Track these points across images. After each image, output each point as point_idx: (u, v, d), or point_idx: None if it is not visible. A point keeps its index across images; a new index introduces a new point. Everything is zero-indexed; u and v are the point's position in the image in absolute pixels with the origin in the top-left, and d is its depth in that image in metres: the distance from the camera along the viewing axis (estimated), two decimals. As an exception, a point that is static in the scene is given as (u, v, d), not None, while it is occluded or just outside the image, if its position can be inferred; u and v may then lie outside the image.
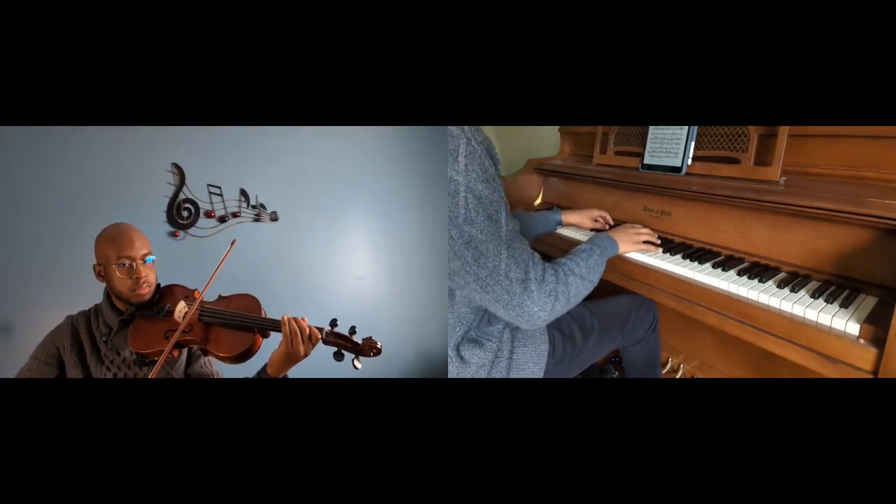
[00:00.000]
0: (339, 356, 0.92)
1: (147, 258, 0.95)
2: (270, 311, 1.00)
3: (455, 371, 1.00)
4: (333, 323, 0.95)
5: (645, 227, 1.30)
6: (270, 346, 0.93)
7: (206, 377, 1.02)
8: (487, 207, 0.83)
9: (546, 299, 0.87)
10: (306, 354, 0.89)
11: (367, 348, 0.93)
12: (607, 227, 1.47)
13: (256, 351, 0.93)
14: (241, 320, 0.93)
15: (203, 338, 0.92)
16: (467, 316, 0.99)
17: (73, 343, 0.92)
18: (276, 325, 0.90)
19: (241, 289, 1.02)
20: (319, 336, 0.90)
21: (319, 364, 0.95)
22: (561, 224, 1.47)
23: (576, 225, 1.48)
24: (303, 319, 0.90)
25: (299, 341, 0.87)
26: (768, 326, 0.96)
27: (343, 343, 0.92)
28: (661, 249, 1.24)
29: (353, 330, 0.95)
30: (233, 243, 1.01)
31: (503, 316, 0.90)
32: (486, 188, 0.83)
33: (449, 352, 1.00)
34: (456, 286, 0.92)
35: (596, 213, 1.47)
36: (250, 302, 0.98)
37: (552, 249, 1.52)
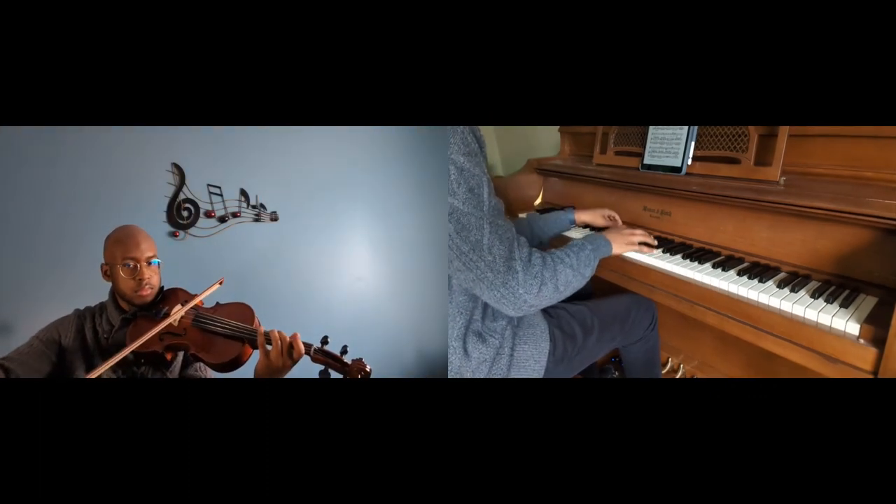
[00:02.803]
0: (325, 374, 0.90)
1: (152, 261, 0.97)
2: (271, 311, 1.00)
3: (457, 363, 1.00)
4: (324, 340, 0.93)
5: (640, 228, 1.29)
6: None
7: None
8: (469, 180, 0.84)
9: (532, 282, 0.86)
10: (285, 367, 0.87)
11: (356, 370, 0.90)
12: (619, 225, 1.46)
13: (245, 361, 0.93)
14: (233, 329, 0.93)
15: (194, 343, 0.92)
16: (465, 304, 0.99)
17: (76, 334, 0.94)
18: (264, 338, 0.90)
19: (242, 289, 1.02)
20: (303, 351, 0.88)
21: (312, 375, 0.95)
22: (574, 222, 1.46)
23: (588, 223, 1.47)
24: (294, 335, 0.88)
25: (277, 353, 0.85)
26: (768, 326, 0.96)
27: (331, 362, 0.90)
28: (655, 250, 1.23)
29: (344, 349, 0.92)
30: (220, 282, 1.02)
31: (488, 299, 0.89)
32: (467, 161, 0.84)
33: (451, 342, 1.00)
34: (448, 270, 0.93)
35: (608, 212, 1.47)
36: (244, 311, 0.98)
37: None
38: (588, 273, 0.99)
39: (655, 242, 1.25)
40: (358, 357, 0.93)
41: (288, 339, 0.87)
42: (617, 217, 1.47)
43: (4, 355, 0.89)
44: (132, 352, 0.91)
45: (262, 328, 0.90)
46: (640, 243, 1.23)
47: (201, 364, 1.04)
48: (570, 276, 0.93)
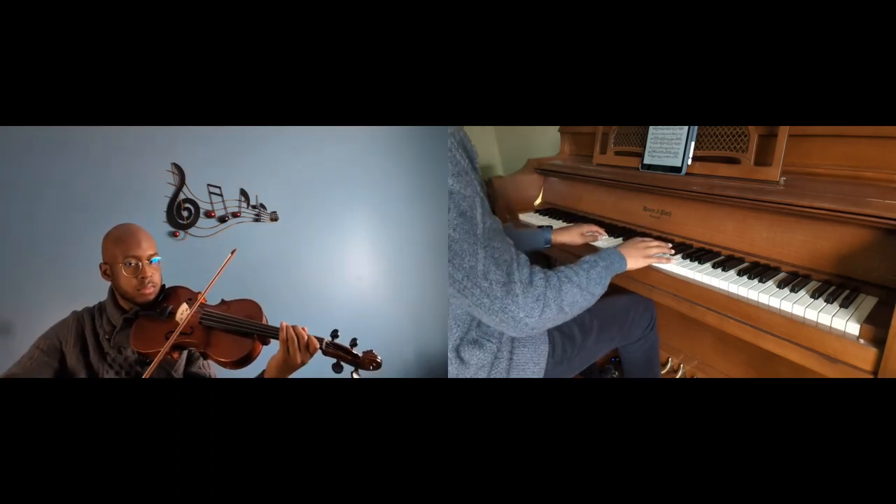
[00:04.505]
0: (338, 367, 0.92)
1: (153, 259, 0.96)
2: (271, 310, 1.00)
3: (454, 372, 0.99)
4: (334, 334, 0.94)
5: (645, 234, 1.23)
6: (270, 352, 0.92)
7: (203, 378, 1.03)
8: (460, 203, 0.79)
9: (534, 304, 0.81)
10: (303, 363, 0.88)
11: (367, 362, 0.92)
12: (599, 239, 1.42)
13: (256, 357, 0.93)
14: (242, 326, 0.93)
15: (203, 341, 0.92)
16: (463, 318, 0.98)
17: (76, 338, 0.93)
18: (275, 332, 0.90)
19: (242, 289, 1.02)
20: (318, 346, 0.89)
21: (319, 371, 0.95)
22: (550, 243, 1.40)
23: (566, 243, 1.41)
24: (303, 329, 0.89)
25: (296, 349, 0.86)
26: (768, 326, 0.96)
27: (343, 355, 0.92)
28: (674, 260, 1.18)
29: (353, 342, 0.94)
30: (233, 252, 1.01)
31: (488, 323, 0.85)
32: (456, 183, 0.79)
33: (448, 353, 1.00)
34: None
35: (585, 228, 1.42)
36: (252, 308, 0.98)
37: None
38: (598, 292, 0.94)
39: (672, 252, 1.20)
40: (368, 349, 0.93)
41: (305, 334, 0.87)
42: (598, 230, 1.42)
43: (7, 370, 0.89)
44: (137, 352, 0.91)
45: (285, 323, 0.89)
46: (658, 255, 1.17)
47: (205, 361, 1.04)
48: (578, 295, 0.88)
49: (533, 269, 0.85)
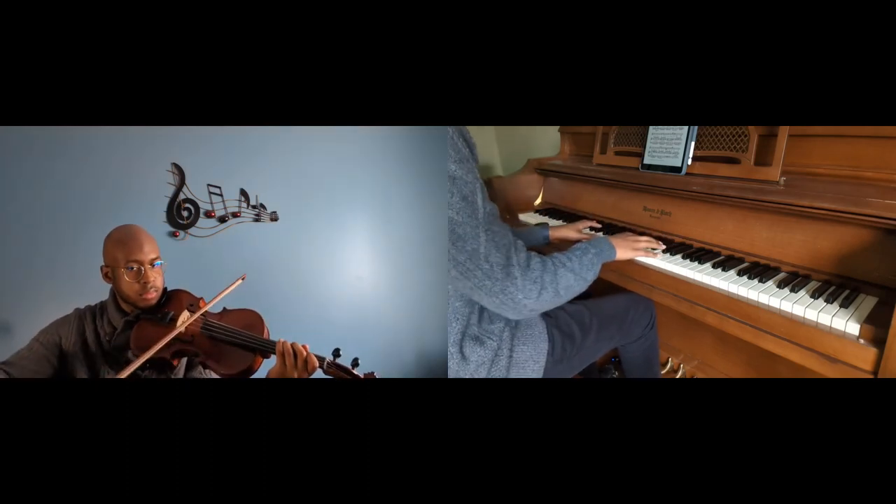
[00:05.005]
0: None
1: (155, 262, 0.94)
2: (271, 312, 1.00)
3: (455, 368, 1.00)
4: (336, 353, 0.93)
5: (645, 234, 1.28)
6: (270, 364, 0.91)
7: None
8: (462, 188, 0.82)
9: (531, 286, 0.85)
10: (300, 378, 0.87)
11: None
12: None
13: (256, 370, 0.92)
14: (243, 339, 0.92)
15: (204, 351, 0.91)
16: (461, 310, 0.99)
17: (77, 336, 0.93)
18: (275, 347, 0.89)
19: (241, 290, 1.02)
20: (317, 364, 0.88)
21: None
22: (548, 239, 1.46)
23: (563, 238, 1.47)
24: (304, 346, 0.88)
25: (292, 364, 0.86)
26: (768, 326, 0.96)
27: (343, 375, 0.90)
28: (660, 254, 1.23)
29: (355, 362, 0.92)
30: (242, 277, 1.01)
31: (488, 305, 0.88)
32: (459, 169, 0.82)
33: (449, 348, 1.00)
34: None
35: (581, 224, 1.48)
36: (254, 319, 0.97)
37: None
38: (590, 277, 0.98)
39: (663, 246, 1.24)
40: (370, 371, 0.92)
41: (305, 352, 0.87)
42: (596, 226, 1.49)
43: (5, 359, 0.89)
44: (136, 356, 0.90)
45: (284, 340, 0.88)
46: (646, 248, 1.21)
47: (205, 370, 1.03)
48: (572, 280, 0.92)
49: (530, 254, 0.89)
